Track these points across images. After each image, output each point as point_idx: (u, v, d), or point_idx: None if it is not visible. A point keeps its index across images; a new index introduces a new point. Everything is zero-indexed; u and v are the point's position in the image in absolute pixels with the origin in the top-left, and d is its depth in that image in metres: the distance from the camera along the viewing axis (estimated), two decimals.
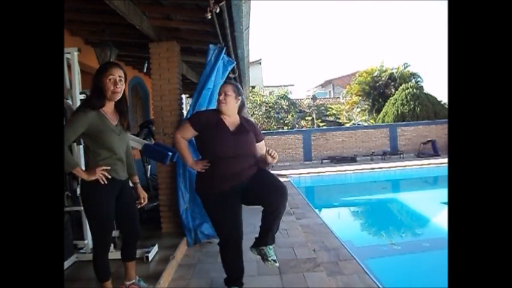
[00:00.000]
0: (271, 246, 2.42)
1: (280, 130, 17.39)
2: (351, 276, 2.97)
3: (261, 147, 2.56)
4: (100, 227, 2.15)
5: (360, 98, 18.86)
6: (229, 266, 2.58)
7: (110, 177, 2.12)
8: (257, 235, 2.46)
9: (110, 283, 2.28)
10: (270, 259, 2.39)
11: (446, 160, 9.87)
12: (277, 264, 2.41)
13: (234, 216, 2.47)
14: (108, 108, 2.15)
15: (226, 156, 2.36)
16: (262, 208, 2.34)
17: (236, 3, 3.05)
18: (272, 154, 2.39)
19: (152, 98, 4.05)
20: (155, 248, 3.30)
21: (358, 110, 19.31)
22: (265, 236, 2.39)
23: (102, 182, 2.07)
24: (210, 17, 3.04)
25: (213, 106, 3.91)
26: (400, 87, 15.48)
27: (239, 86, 2.58)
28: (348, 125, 17.70)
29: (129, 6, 3.09)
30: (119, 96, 2.13)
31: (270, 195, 2.29)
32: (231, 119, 2.48)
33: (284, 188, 2.33)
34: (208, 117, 2.47)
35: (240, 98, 2.50)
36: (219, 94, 2.47)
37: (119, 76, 2.09)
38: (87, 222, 3.18)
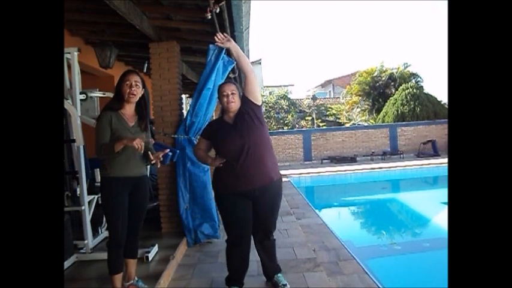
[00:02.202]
0: (279, 274, 2.70)
1: (280, 130, 17.38)
2: (351, 276, 2.97)
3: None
4: (113, 222, 2.34)
5: (360, 98, 18.84)
6: (233, 265, 2.61)
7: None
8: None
9: (120, 277, 2.39)
10: (281, 285, 2.63)
11: (446, 160, 9.87)
12: (288, 286, 2.64)
13: (245, 216, 2.49)
14: (127, 110, 2.40)
15: (236, 149, 2.37)
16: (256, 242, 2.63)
17: (236, 3, 3.05)
18: (219, 38, 2.44)
19: (152, 98, 4.04)
20: (155, 248, 3.30)
21: (358, 110, 19.29)
22: (271, 267, 2.70)
23: (137, 147, 2.16)
24: (210, 17, 3.04)
25: (213, 106, 3.92)
26: (400, 87, 15.45)
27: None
28: (348, 125, 17.68)
29: (129, 6, 3.09)
30: (135, 99, 2.38)
31: (265, 234, 2.61)
32: (232, 115, 2.51)
33: (273, 231, 2.66)
34: (212, 123, 2.66)
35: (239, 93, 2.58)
36: (224, 95, 2.46)
37: (135, 81, 2.36)
38: (87, 222, 3.20)
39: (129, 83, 2.34)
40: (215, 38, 2.44)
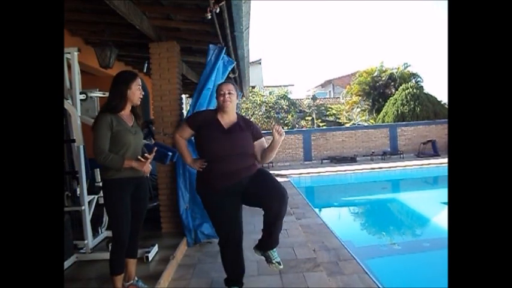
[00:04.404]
0: (275, 249, 2.48)
1: None
2: (351, 276, 2.97)
3: (261, 144, 2.55)
4: (116, 223, 2.34)
5: (360, 98, 18.83)
6: (229, 266, 2.59)
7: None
8: (259, 236, 2.48)
9: (121, 278, 2.40)
10: (274, 261, 2.46)
11: (446, 160, 9.86)
12: (281, 266, 2.48)
13: (233, 216, 2.47)
14: (126, 111, 2.41)
15: (222, 154, 2.37)
16: (263, 212, 2.34)
17: (236, 3, 3.05)
18: (278, 130, 2.35)
19: (152, 98, 4.05)
20: (155, 248, 3.30)
21: (358, 110, 19.28)
22: (269, 240, 2.43)
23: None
24: (210, 17, 3.04)
25: (213, 106, 3.92)
26: (400, 87, 15.45)
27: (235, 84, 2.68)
28: (348, 125, 17.67)
29: (129, 6, 3.09)
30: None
31: (271, 199, 2.28)
32: (229, 118, 2.48)
33: (284, 191, 2.32)
34: (205, 117, 2.54)
35: (237, 95, 2.57)
36: (221, 93, 2.45)
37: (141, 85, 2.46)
38: (87, 222, 3.21)
39: (140, 87, 2.39)
40: (274, 131, 2.36)
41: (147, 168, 2.38)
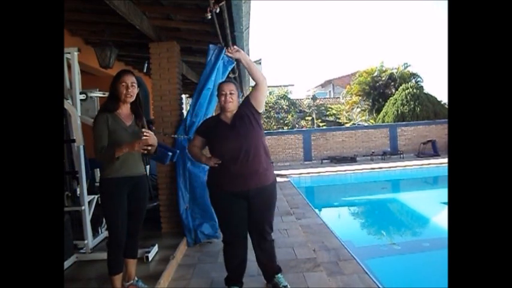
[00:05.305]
0: (279, 275, 2.65)
1: (280, 130, 17.38)
2: (351, 276, 2.97)
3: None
4: (113, 223, 2.34)
5: (360, 98, 18.82)
6: (230, 265, 2.61)
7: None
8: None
9: (120, 278, 2.40)
10: (281, 286, 2.59)
11: (446, 160, 9.86)
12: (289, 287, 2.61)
13: (240, 217, 2.49)
14: (123, 110, 2.41)
15: (231, 149, 2.38)
16: (253, 244, 2.58)
17: (236, 3, 3.05)
18: (230, 51, 2.46)
19: (152, 98, 4.05)
20: (155, 248, 3.30)
21: (358, 110, 19.28)
22: (270, 269, 2.66)
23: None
24: (210, 17, 3.04)
25: (213, 106, 3.92)
26: (400, 87, 15.44)
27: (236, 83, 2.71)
28: (348, 125, 17.67)
29: (129, 6, 3.09)
30: (131, 99, 2.40)
31: (259, 244, 2.58)
32: (230, 114, 2.51)
33: (271, 241, 2.64)
34: (210, 122, 2.64)
35: (238, 94, 2.60)
36: (222, 93, 2.47)
37: (131, 82, 2.37)
38: (87, 222, 3.21)
39: (125, 84, 2.35)
40: (227, 52, 2.45)
41: (137, 146, 2.23)
